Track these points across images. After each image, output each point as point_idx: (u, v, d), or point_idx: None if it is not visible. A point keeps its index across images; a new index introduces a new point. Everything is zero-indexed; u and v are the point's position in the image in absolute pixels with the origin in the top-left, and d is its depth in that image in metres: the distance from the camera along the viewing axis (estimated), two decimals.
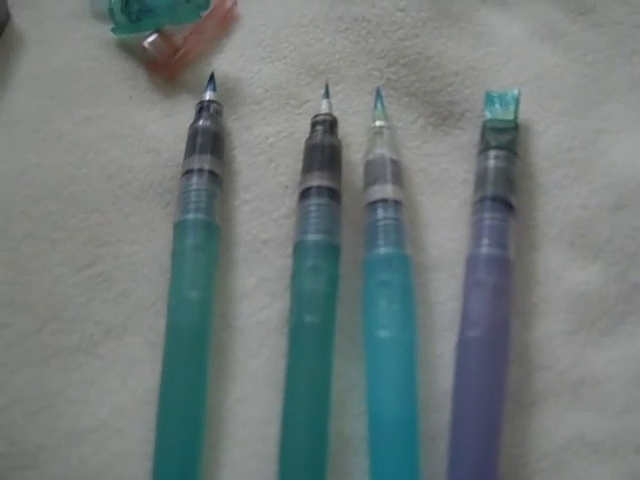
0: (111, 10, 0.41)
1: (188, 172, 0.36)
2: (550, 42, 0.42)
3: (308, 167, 0.36)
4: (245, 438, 0.33)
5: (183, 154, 0.38)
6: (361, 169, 0.37)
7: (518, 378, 0.33)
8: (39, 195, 0.38)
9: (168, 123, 0.40)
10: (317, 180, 0.35)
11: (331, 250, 0.34)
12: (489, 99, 0.38)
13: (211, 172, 0.36)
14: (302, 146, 0.37)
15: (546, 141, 0.39)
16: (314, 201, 0.35)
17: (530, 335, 0.34)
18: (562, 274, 0.36)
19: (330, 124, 0.37)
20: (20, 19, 0.42)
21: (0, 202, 0.37)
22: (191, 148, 0.37)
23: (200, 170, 0.36)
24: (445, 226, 0.37)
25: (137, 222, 0.37)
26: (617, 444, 0.32)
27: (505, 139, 0.37)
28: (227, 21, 0.42)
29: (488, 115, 0.38)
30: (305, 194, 0.35)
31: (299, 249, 0.34)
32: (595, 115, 0.39)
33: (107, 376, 0.34)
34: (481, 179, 0.36)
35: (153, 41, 0.41)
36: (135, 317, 0.35)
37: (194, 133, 0.38)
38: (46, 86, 0.40)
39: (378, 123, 0.38)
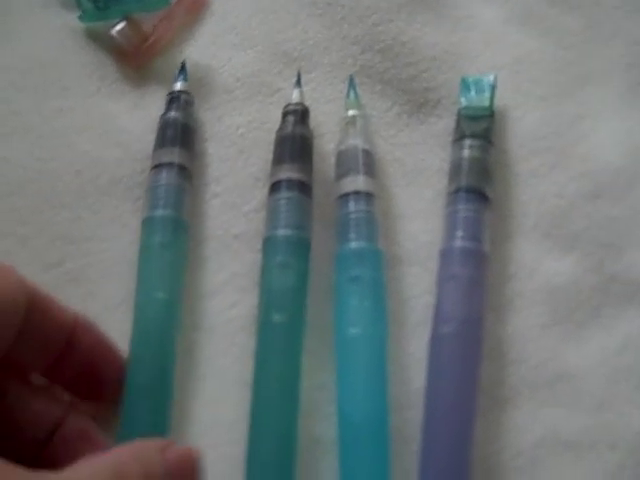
0: None
1: (157, 166, 0.35)
2: (528, 26, 0.41)
3: (278, 159, 0.35)
4: (214, 440, 0.32)
5: (153, 146, 0.37)
6: (333, 160, 0.36)
7: (492, 373, 0.33)
8: (6, 190, 0.37)
9: (138, 114, 0.39)
10: (287, 173, 0.35)
11: (301, 245, 0.34)
12: (465, 85, 0.38)
13: (180, 166, 0.35)
14: (273, 136, 0.37)
15: (523, 128, 0.38)
16: (284, 195, 0.34)
17: (504, 329, 0.34)
18: (537, 266, 0.35)
19: (301, 114, 0.36)
20: None
21: None
22: (160, 141, 0.36)
23: (169, 164, 0.35)
24: (419, 217, 0.36)
25: (106, 218, 0.37)
26: (592, 441, 0.32)
27: (480, 127, 0.36)
28: (197, 7, 0.41)
29: (463, 102, 0.37)
30: (275, 187, 0.35)
31: (268, 244, 0.34)
32: (573, 100, 0.39)
33: None
34: (456, 169, 0.35)
35: (121, 29, 0.40)
36: (103, 316, 0.34)
37: (164, 125, 0.37)
38: (13, 78, 0.40)
39: (351, 112, 0.37)
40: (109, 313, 0.34)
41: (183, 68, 0.39)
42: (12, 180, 0.37)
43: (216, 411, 0.33)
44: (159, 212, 0.34)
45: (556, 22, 0.41)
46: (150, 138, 0.38)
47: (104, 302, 0.35)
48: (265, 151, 0.37)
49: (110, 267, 0.36)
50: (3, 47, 0.40)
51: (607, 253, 0.35)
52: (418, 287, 0.35)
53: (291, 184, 0.34)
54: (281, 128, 0.36)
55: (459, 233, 0.34)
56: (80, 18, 0.40)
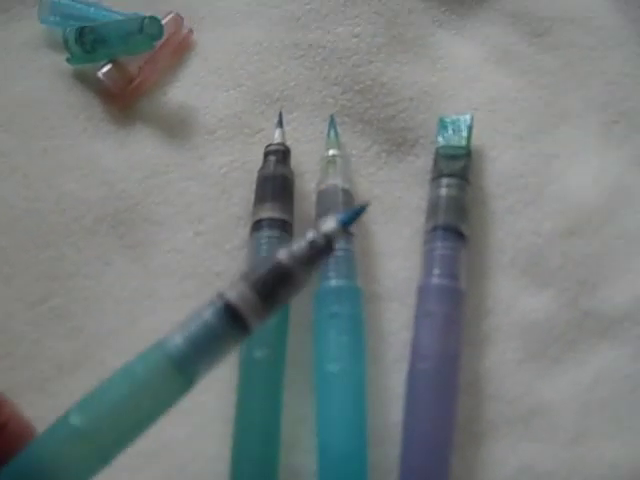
0: (66, 40, 0.41)
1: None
2: (505, 65, 0.42)
3: (260, 198, 0.36)
4: (195, 474, 0.33)
5: (135, 185, 0.37)
6: (314, 198, 0.37)
7: (469, 408, 0.33)
8: None
9: (122, 154, 0.40)
10: (269, 212, 0.35)
11: None
12: (442, 125, 0.39)
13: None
14: (255, 176, 0.37)
15: (499, 166, 0.39)
16: (265, 233, 0.35)
17: (481, 364, 0.34)
18: (513, 302, 0.36)
19: (283, 154, 0.37)
20: None
21: None
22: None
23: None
24: (398, 255, 0.37)
25: (91, 256, 0.37)
26: (567, 475, 0.32)
27: (457, 166, 0.37)
28: (182, 49, 0.42)
29: (441, 141, 0.38)
30: (257, 226, 0.35)
31: None
32: (548, 139, 0.39)
33: (58, 414, 0.34)
34: (433, 208, 0.36)
35: (107, 71, 0.41)
36: (87, 352, 0.35)
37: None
38: (0, 118, 0.40)
39: (331, 152, 0.38)
40: (93, 348, 0.35)
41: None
42: None
43: (198, 446, 0.33)
44: None
45: (533, 61, 0.42)
46: (134, 176, 0.38)
47: (88, 338, 0.35)
48: (247, 190, 0.38)
49: (94, 303, 0.36)
50: None
51: (582, 289, 0.36)
52: (396, 323, 0.35)
53: (273, 223, 0.35)
54: (263, 168, 0.37)
55: (436, 270, 0.34)
56: (68, 60, 0.41)
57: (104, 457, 0.24)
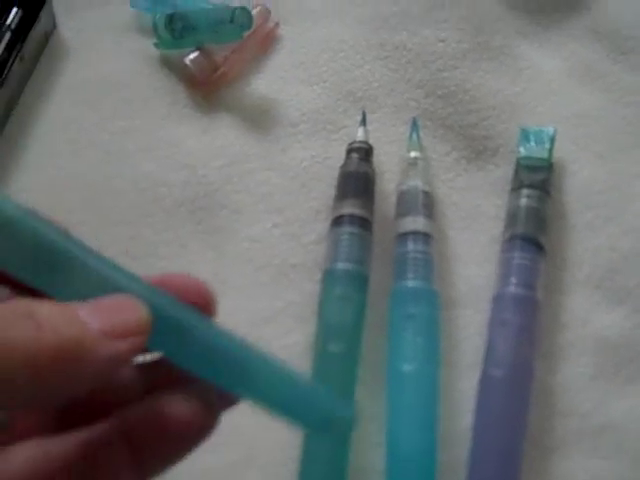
0: (155, 25, 0.42)
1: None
2: (588, 81, 0.42)
3: (342, 194, 0.36)
4: (266, 459, 0.33)
5: (215, 172, 0.38)
6: (393, 199, 0.37)
7: (539, 421, 0.33)
8: (72, 205, 0.38)
9: (204, 140, 0.40)
10: (350, 208, 0.36)
11: (360, 280, 0.34)
12: (524, 136, 0.39)
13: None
14: (336, 172, 0.38)
15: (579, 181, 0.39)
16: (346, 229, 0.35)
17: (553, 377, 0.34)
18: (588, 318, 0.36)
19: (365, 152, 0.38)
20: (66, 29, 0.42)
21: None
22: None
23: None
24: (473, 261, 0.37)
25: (167, 237, 0.38)
26: None
27: (538, 178, 0.37)
28: (268, 42, 0.43)
29: (522, 152, 0.38)
30: (337, 221, 0.35)
31: (328, 277, 0.34)
32: (629, 158, 0.39)
33: None
34: (512, 217, 0.36)
35: (194, 58, 0.41)
36: None
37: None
38: (87, 97, 0.41)
39: (413, 154, 0.38)
40: None
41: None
42: (78, 195, 0.38)
43: (269, 433, 0.33)
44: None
45: (617, 80, 0.41)
46: (214, 163, 0.39)
47: None
48: (326, 185, 0.38)
49: None
50: (81, 66, 0.42)
51: None
52: (470, 329, 0.35)
53: (353, 219, 0.35)
54: (345, 164, 0.37)
55: (513, 280, 0.34)
56: (156, 45, 0.42)
57: None
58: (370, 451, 0.33)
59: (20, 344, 0.18)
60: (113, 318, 0.20)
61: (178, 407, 0.21)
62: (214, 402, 0.22)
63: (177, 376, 0.22)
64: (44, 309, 0.19)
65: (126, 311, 0.20)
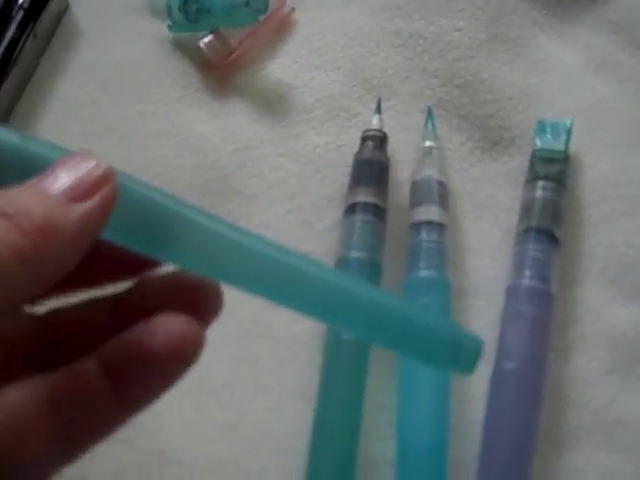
0: (169, 8, 0.41)
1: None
2: (604, 74, 0.41)
3: (355, 182, 0.36)
4: (272, 448, 0.33)
5: (228, 156, 0.38)
6: (407, 188, 0.37)
7: (551, 413, 0.33)
8: None
9: (217, 124, 0.40)
10: (364, 196, 0.35)
11: (373, 268, 0.34)
12: (541, 127, 0.38)
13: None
14: (349, 159, 0.37)
15: (595, 174, 0.38)
16: (360, 217, 0.35)
17: (566, 371, 0.34)
18: (602, 312, 0.35)
19: (380, 140, 0.37)
20: (78, 10, 0.42)
21: None
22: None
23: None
24: (486, 253, 0.37)
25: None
26: None
27: (554, 170, 0.37)
28: (283, 27, 0.42)
29: (539, 144, 0.38)
30: (351, 209, 0.35)
31: (341, 264, 0.34)
32: None
33: None
34: (527, 209, 0.36)
35: (209, 42, 0.41)
36: None
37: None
38: (100, 78, 0.41)
39: (428, 143, 0.38)
40: None
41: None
42: None
43: (276, 421, 0.33)
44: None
45: (633, 72, 0.41)
46: (227, 148, 0.38)
47: None
48: (340, 173, 0.38)
49: None
50: (94, 48, 0.41)
51: None
52: (483, 321, 0.35)
53: (367, 207, 0.35)
54: (360, 152, 0.37)
55: (527, 272, 0.34)
56: (169, 28, 0.41)
57: None
58: (379, 441, 0.32)
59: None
60: (72, 180, 0.20)
61: (157, 329, 0.21)
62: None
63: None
64: (11, 196, 0.19)
65: (79, 167, 0.20)
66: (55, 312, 0.24)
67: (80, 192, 0.20)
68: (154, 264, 0.23)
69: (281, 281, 0.22)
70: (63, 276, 0.20)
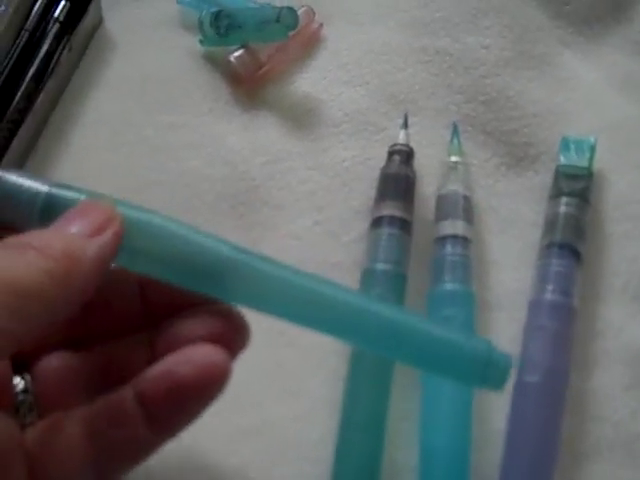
0: (201, 23, 0.42)
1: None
2: (628, 92, 0.42)
3: (382, 195, 0.37)
4: (298, 456, 0.33)
5: (257, 168, 0.38)
6: (432, 202, 0.38)
7: (572, 428, 0.34)
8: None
9: (247, 137, 0.40)
10: (390, 210, 0.36)
11: (398, 280, 0.35)
12: (565, 144, 0.39)
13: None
14: (376, 173, 0.38)
15: (618, 191, 0.39)
16: (386, 230, 0.35)
17: (587, 385, 0.35)
18: (623, 327, 0.36)
19: (407, 155, 0.38)
20: (112, 23, 0.43)
21: None
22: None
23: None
24: (509, 266, 0.37)
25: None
26: None
27: (578, 186, 0.37)
28: (312, 42, 0.43)
29: (563, 160, 0.38)
30: (377, 222, 0.36)
31: (367, 276, 0.35)
32: None
33: None
34: (551, 224, 0.36)
35: (239, 56, 0.42)
36: None
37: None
38: (132, 90, 0.42)
39: (453, 158, 0.38)
40: None
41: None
42: (120, 188, 0.39)
43: (301, 429, 0.34)
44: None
45: None
46: (256, 160, 0.39)
47: None
48: (367, 186, 0.38)
49: None
50: (127, 61, 0.42)
51: None
52: (505, 334, 0.35)
53: (393, 221, 0.35)
54: (387, 166, 0.38)
55: (550, 286, 0.35)
56: (200, 42, 0.42)
57: None
58: (403, 448, 0.33)
59: (28, 273, 0.22)
60: (84, 221, 0.24)
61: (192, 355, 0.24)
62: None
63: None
64: (35, 234, 0.23)
65: (91, 212, 0.25)
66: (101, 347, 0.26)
67: (93, 229, 0.24)
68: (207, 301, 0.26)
69: (310, 308, 0.23)
70: (87, 299, 0.23)
